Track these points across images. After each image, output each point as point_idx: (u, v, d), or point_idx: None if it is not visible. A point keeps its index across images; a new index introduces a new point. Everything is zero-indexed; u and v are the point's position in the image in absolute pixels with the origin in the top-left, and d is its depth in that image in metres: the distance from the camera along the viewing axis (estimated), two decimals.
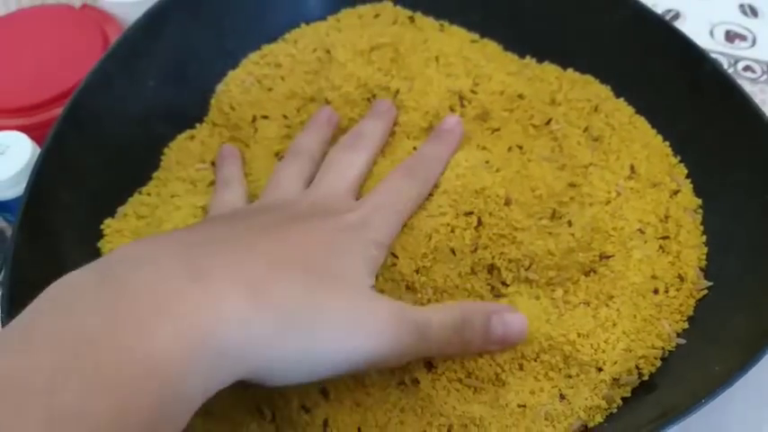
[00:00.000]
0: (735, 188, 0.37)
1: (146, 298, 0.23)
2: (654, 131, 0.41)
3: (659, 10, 0.58)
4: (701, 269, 0.36)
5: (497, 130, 0.42)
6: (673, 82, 0.41)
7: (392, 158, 0.40)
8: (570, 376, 0.33)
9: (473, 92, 0.43)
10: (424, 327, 0.31)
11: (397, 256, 0.35)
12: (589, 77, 0.44)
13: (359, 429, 0.32)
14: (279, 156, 0.42)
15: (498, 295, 0.36)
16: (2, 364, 0.21)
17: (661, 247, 0.37)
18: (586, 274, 0.36)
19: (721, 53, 0.55)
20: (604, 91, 0.43)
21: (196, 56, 0.45)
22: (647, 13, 0.42)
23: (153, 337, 0.22)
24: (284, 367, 0.27)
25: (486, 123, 0.42)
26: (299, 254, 0.30)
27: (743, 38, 0.56)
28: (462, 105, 0.42)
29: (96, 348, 0.22)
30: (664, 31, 0.41)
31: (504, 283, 0.36)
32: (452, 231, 0.36)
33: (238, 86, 0.45)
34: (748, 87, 0.53)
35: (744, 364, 0.29)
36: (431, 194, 0.37)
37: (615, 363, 0.33)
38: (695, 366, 0.32)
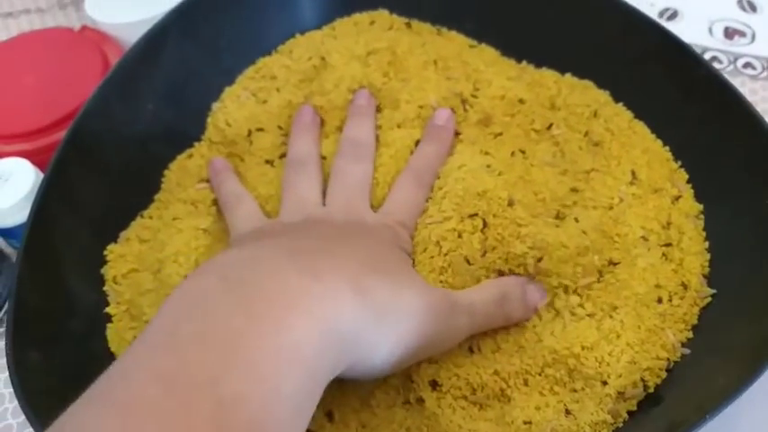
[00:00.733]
0: (735, 193, 0.37)
1: (277, 297, 0.26)
2: (653, 136, 0.41)
3: (657, 8, 0.58)
4: (704, 276, 0.36)
5: (500, 134, 0.42)
6: (669, 86, 0.41)
7: (389, 153, 0.41)
8: (575, 390, 0.33)
9: (474, 96, 0.43)
10: (470, 307, 0.34)
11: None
12: (587, 82, 0.44)
13: None
14: (270, 162, 0.43)
15: None
16: (160, 364, 0.23)
17: (664, 254, 0.37)
18: (598, 280, 0.36)
19: (720, 50, 0.55)
20: (603, 96, 0.43)
21: (194, 76, 0.45)
22: (643, 18, 0.42)
23: (292, 330, 0.25)
24: (383, 353, 0.30)
25: (489, 128, 0.42)
26: (369, 257, 0.32)
27: (742, 34, 0.56)
28: (465, 110, 0.42)
29: (247, 345, 0.24)
30: (659, 36, 0.41)
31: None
32: (460, 237, 0.36)
33: (234, 102, 0.45)
34: (749, 84, 0.52)
35: (750, 375, 0.29)
36: (433, 199, 0.38)
37: (620, 376, 0.33)
38: (701, 378, 0.32)
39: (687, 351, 0.34)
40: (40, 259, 0.37)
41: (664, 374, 0.33)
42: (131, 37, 0.44)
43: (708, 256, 0.37)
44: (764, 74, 0.53)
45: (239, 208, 0.40)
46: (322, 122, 0.43)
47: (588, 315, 0.35)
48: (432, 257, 0.36)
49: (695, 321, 0.35)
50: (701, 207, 0.38)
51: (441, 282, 0.36)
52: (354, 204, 0.39)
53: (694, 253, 0.37)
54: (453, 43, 0.47)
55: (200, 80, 0.45)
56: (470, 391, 0.33)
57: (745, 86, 0.52)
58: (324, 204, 0.39)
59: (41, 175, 0.44)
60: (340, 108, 0.43)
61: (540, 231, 0.36)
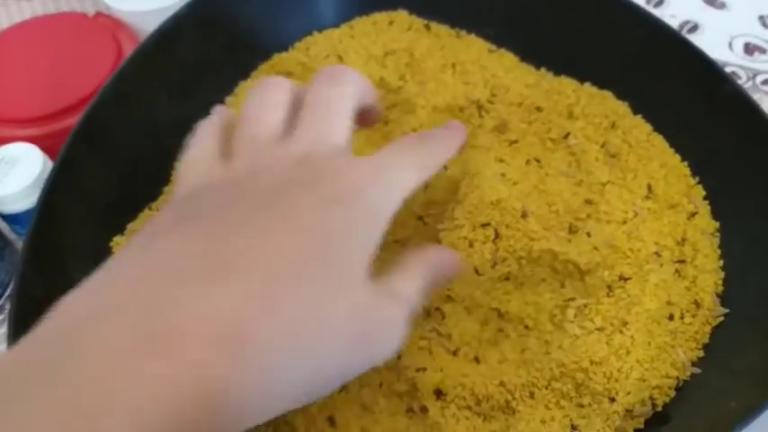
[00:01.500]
0: (753, 212, 0.37)
1: (98, 385, 0.20)
2: (672, 150, 0.40)
3: (677, 21, 0.57)
4: (718, 295, 0.36)
5: (515, 142, 0.41)
6: (691, 101, 0.40)
7: None
8: (582, 405, 0.32)
9: (490, 102, 0.42)
10: (413, 305, 0.28)
11: None
12: (606, 93, 0.43)
13: None
14: None
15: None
16: None
17: (677, 271, 0.36)
18: (607, 295, 0.36)
19: (740, 66, 0.54)
20: (622, 107, 0.43)
21: (208, 69, 0.44)
22: (667, 30, 0.41)
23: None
24: (293, 395, 0.24)
25: (504, 135, 0.42)
26: (280, 256, 0.24)
27: (762, 50, 0.55)
28: (480, 116, 0.42)
29: None
30: (683, 49, 0.41)
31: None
32: (471, 246, 0.35)
33: None
34: (767, 101, 0.52)
35: (762, 401, 0.28)
36: (446, 206, 0.37)
37: (629, 393, 0.32)
38: (710, 399, 0.31)
39: (698, 370, 0.33)
40: (45, 248, 0.36)
41: (673, 393, 0.33)
42: (146, 25, 0.44)
43: (722, 275, 0.36)
44: None
45: (194, 145, 0.31)
46: None
47: (598, 329, 0.34)
48: None
49: (706, 340, 0.34)
50: (717, 224, 0.38)
51: (447, 290, 0.35)
52: (325, 138, 0.29)
53: (708, 271, 0.36)
54: (472, 47, 0.47)
55: (214, 73, 0.44)
56: (475, 402, 0.33)
57: (763, 103, 0.51)
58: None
59: (49, 162, 0.44)
60: None
61: (551, 248, 0.35)
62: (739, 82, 0.53)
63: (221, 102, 0.45)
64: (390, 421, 0.32)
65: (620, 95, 0.43)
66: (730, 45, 0.56)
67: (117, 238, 0.39)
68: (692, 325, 0.34)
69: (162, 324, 0.22)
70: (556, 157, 0.41)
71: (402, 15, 0.48)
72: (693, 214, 0.38)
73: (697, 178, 0.39)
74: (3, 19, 0.61)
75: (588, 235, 0.37)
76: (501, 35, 0.46)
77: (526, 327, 0.35)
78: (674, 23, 0.57)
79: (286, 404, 0.24)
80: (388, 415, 0.33)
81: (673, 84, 0.41)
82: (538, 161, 0.40)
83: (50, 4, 0.62)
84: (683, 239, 0.37)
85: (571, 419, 0.32)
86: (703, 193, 0.39)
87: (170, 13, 0.43)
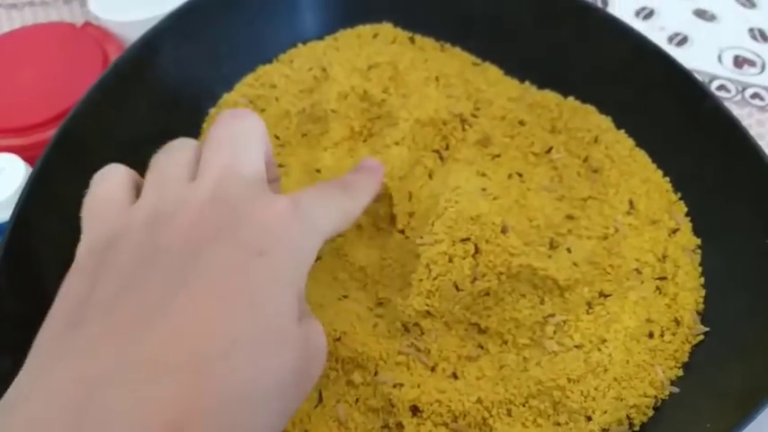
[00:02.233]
0: (735, 229, 0.36)
1: None
2: (654, 166, 0.40)
3: (667, 34, 0.57)
4: (698, 313, 0.35)
5: (498, 156, 0.41)
6: (674, 117, 0.40)
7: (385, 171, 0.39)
8: (559, 424, 0.32)
9: (474, 116, 0.42)
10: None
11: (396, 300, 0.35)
12: (589, 107, 0.43)
13: None
14: None
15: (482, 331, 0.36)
16: None
17: (658, 288, 0.36)
18: (587, 312, 0.35)
19: (729, 79, 0.54)
20: (605, 122, 0.42)
21: (191, 81, 0.44)
22: (650, 46, 0.41)
23: None
24: None
25: (487, 149, 0.42)
26: (210, 338, 0.23)
27: (752, 63, 0.55)
28: (464, 129, 0.42)
29: None
30: (666, 64, 0.40)
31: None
32: (451, 261, 0.35)
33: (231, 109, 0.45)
34: (756, 116, 0.51)
35: (738, 421, 0.28)
36: (426, 219, 0.37)
37: (605, 412, 0.32)
38: (688, 419, 0.31)
39: (676, 390, 0.33)
40: (21, 261, 0.36)
41: (650, 413, 0.32)
42: (134, 35, 0.43)
43: (703, 293, 0.36)
44: None
45: (100, 183, 0.30)
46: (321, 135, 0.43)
47: (576, 346, 0.34)
48: (420, 280, 0.35)
49: (686, 359, 0.34)
50: (698, 241, 0.37)
51: (426, 305, 0.35)
52: (232, 173, 0.27)
53: (689, 288, 0.36)
54: (456, 60, 0.46)
55: (196, 85, 0.44)
56: (452, 419, 0.32)
57: (752, 117, 0.51)
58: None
59: None
60: (333, 119, 0.42)
61: (531, 263, 0.35)
62: (728, 95, 0.53)
63: (204, 113, 0.45)
64: None
65: (603, 110, 0.42)
66: (720, 58, 0.55)
67: None
68: (672, 343, 0.34)
69: None
70: (538, 172, 0.41)
71: (387, 28, 0.48)
72: (675, 231, 0.38)
73: (679, 194, 0.39)
74: None
75: (568, 251, 0.37)
76: (485, 48, 0.46)
77: (505, 342, 0.35)
78: (663, 36, 0.57)
79: None
80: (363, 431, 0.32)
81: (655, 99, 0.41)
82: (520, 175, 0.40)
83: (40, 13, 0.62)
84: (664, 256, 0.37)
85: None
86: (685, 209, 0.38)
87: None
